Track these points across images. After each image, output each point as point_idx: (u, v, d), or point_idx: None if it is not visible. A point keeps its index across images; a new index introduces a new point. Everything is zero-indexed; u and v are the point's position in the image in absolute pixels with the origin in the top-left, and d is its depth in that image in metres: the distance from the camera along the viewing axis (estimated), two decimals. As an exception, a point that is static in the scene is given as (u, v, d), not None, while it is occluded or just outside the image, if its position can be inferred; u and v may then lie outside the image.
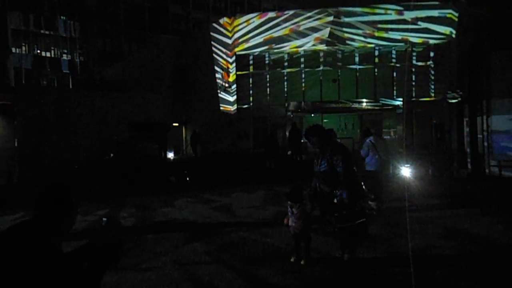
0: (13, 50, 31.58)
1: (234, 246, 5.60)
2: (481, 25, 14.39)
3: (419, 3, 17.88)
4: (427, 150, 16.64)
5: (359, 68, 19.87)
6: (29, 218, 1.98)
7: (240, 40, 20.16)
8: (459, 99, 16.38)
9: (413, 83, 19.02)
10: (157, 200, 9.59)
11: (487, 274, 4.38)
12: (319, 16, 19.07)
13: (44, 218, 1.96)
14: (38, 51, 33.76)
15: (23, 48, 32.97)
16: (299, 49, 19.81)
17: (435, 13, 17.96)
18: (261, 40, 19.76)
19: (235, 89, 20.68)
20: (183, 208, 8.62)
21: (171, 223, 7.37)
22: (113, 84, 24.81)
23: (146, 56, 23.66)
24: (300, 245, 4.72)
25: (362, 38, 18.92)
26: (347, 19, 18.91)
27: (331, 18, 18.93)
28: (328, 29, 18.93)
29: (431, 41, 18.40)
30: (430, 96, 18.88)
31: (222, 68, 20.70)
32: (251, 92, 20.67)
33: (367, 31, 18.75)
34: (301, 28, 19.24)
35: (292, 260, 4.75)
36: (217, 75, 20.72)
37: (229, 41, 20.34)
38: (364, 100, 19.79)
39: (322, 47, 19.44)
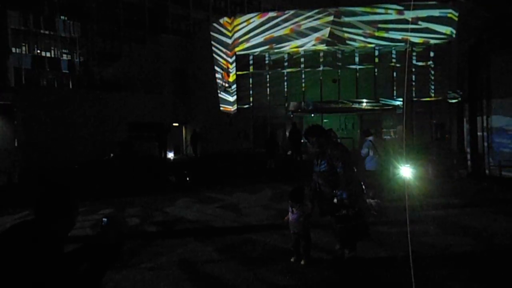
0: (13, 50, 31.58)
1: (234, 246, 5.60)
2: (481, 25, 14.38)
3: (419, 3, 17.88)
4: (427, 150, 16.63)
5: (359, 68, 19.87)
6: (30, 218, 1.98)
7: (240, 40, 20.15)
8: (459, 99, 16.37)
9: (413, 83, 19.03)
10: (157, 200, 9.58)
11: (488, 274, 4.38)
12: (319, 16, 19.07)
13: (45, 218, 1.96)
14: (38, 51, 33.72)
15: (23, 48, 32.93)
16: (299, 49, 19.81)
17: (435, 13, 17.97)
18: (261, 40, 19.76)
19: (235, 89, 20.69)
20: (183, 208, 8.61)
21: (171, 223, 7.37)
22: (113, 84, 24.80)
23: (146, 56, 23.64)
24: (300, 245, 4.72)
25: (362, 38, 18.92)
26: (347, 19, 18.92)
27: (331, 18, 18.92)
28: (328, 29, 18.93)
29: (431, 41, 18.41)
30: (430, 96, 18.90)
31: (222, 68, 20.70)
32: (251, 92, 20.69)
33: (367, 31, 18.74)
34: (301, 28, 19.24)
35: (292, 260, 4.75)
36: (217, 75, 20.72)
37: (229, 41, 20.34)
38: (364, 100, 19.78)
39: (322, 47, 19.44)
